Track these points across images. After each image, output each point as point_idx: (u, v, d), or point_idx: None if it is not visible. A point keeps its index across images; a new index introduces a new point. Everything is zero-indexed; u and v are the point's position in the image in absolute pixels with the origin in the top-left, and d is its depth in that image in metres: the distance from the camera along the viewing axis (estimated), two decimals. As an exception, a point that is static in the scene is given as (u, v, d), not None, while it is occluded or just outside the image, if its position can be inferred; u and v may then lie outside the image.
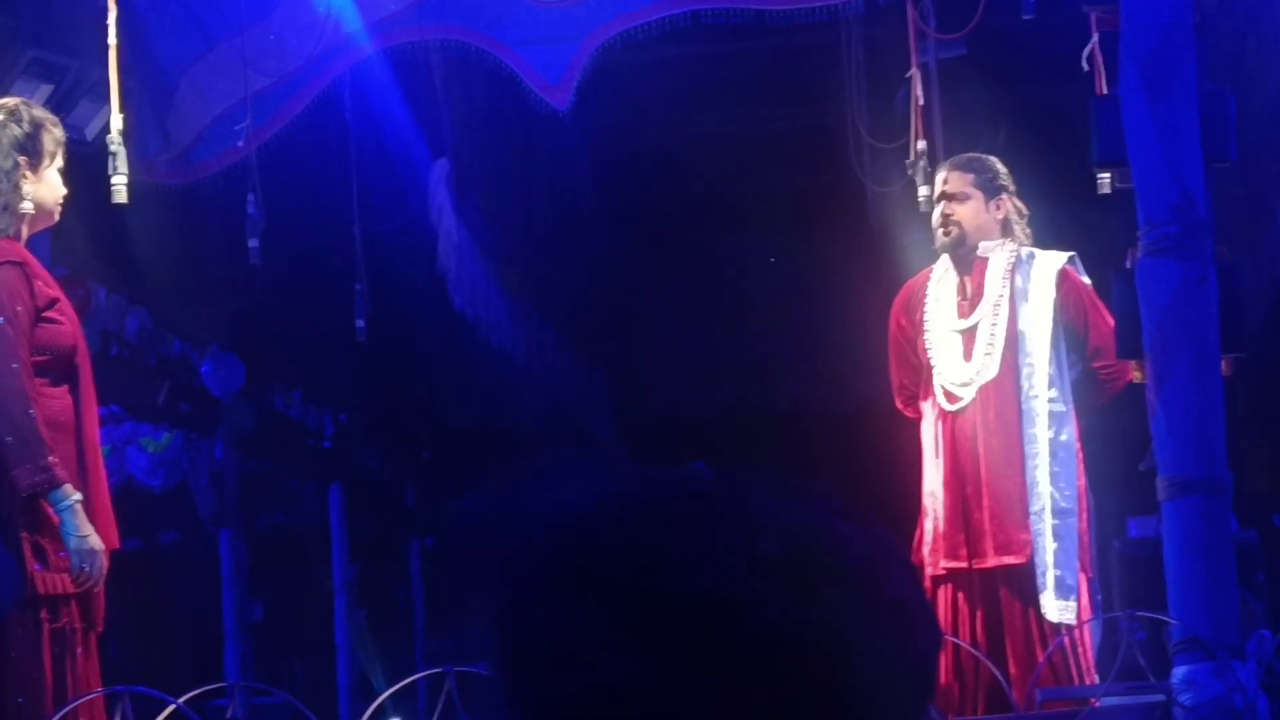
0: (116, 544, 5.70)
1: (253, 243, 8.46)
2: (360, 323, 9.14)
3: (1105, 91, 7.10)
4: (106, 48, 6.91)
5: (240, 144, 8.80)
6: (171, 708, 5.58)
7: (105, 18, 6.89)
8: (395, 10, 8.98)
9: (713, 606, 1.25)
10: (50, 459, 5.44)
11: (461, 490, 11.72)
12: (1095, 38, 7.31)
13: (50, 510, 5.49)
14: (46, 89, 8.62)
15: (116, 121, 6.59)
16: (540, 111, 9.12)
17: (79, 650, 5.62)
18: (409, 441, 12.61)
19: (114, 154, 6.39)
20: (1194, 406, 6.22)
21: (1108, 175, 7.22)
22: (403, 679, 6.54)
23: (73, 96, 8.51)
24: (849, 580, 1.29)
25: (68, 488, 5.47)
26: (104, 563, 5.58)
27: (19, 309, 5.50)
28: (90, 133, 8.02)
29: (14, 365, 5.44)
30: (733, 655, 1.24)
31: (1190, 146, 6.25)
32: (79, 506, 5.49)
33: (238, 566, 11.32)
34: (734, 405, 12.68)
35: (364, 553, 12.71)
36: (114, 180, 6.29)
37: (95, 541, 5.53)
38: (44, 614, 5.51)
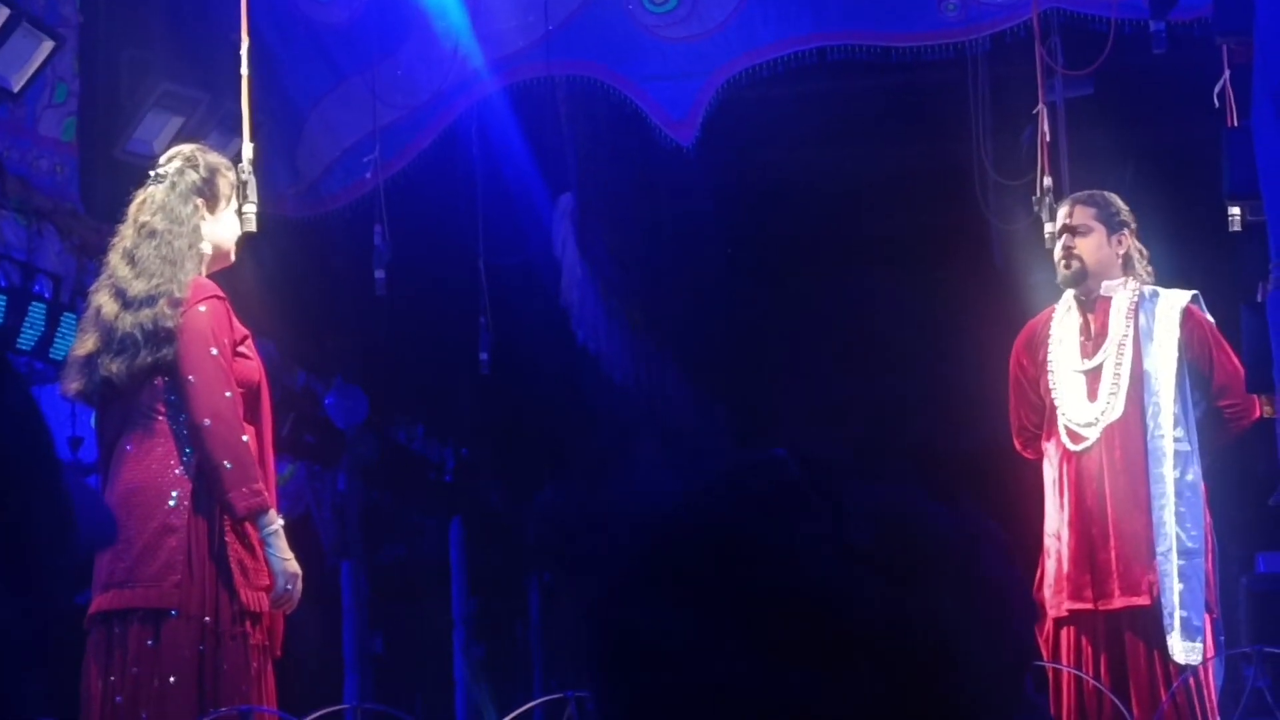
0: None
1: (379, 275, 8.52)
2: (484, 356, 9.16)
3: (1236, 124, 7.02)
4: (237, 80, 6.97)
5: (368, 176, 8.89)
6: (293, 731, 5.63)
7: (237, 51, 6.95)
8: (522, 46, 9.05)
9: (807, 598, 1.24)
10: (260, 484, 5.58)
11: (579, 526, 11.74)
12: (1227, 73, 7.24)
13: (253, 532, 5.63)
14: (177, 121, 8.73)
15: (248, 151, 6.63)
16: (664, 147, 9.14)
17: (269, 668, 5.75)
18: (530, 477, 12.63)
19: (244, 183, 6.43)
20: (1326, 441, 6.12)
21: (1238, 211, 7.14)
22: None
23: (203, 129, 8.60)
24: (943, 563, 1.28)
25: (273, 512, 5.63)
26: (300, 586, 5.72)
27: (225, 341, 5.64)
28: (220, 164, 8.10)
29: (228, 394, 5.57)
30: (831, 647, 1.23)
31: (1325, 179, 6.15)
32: (282, 531, 5.65)
33: (359, 598, 11.38)
34: (856, 444, 12.62)
35: (483, 587, 12.74)
36: (244, 209, 6.33)
37: (295, 565, 5.69)
38: (248, 627, 5.62)
